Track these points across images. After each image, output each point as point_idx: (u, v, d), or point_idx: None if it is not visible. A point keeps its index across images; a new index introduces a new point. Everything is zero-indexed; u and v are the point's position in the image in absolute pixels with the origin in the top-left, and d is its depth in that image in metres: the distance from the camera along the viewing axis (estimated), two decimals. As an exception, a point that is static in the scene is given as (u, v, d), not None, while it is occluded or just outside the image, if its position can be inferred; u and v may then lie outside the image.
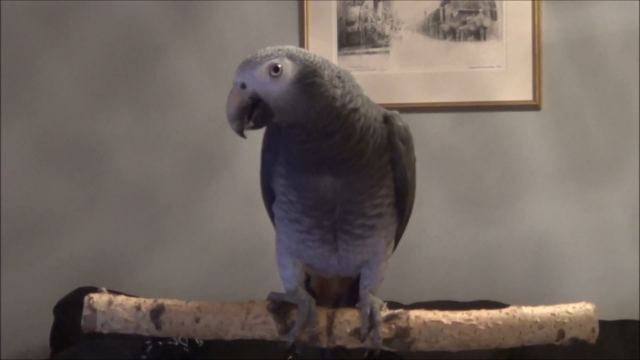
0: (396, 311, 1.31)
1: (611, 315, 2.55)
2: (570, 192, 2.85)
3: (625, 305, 2.72)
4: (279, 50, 1.21)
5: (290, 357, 2.41)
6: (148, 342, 2.51)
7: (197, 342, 2.57)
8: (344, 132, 1.21)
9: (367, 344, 1.28)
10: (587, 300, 1.34)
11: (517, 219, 2.88)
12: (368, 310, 1.29)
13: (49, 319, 2.75)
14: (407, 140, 1.30)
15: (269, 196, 1.36)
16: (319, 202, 1.26)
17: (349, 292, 1.48)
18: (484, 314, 1.29)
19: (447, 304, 2.38)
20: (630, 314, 2.68)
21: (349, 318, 1.30)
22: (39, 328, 2.83)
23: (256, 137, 2.89)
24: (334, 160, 1.23)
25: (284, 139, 1.26)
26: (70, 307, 2.69)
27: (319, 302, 1.37)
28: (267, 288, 3.04)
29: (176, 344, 2.54)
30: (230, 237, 2.97)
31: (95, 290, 1.34)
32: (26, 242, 3.01)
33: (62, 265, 2.99)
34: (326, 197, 1.25)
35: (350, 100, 1.22)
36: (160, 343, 2.51)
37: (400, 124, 1.29)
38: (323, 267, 1.37)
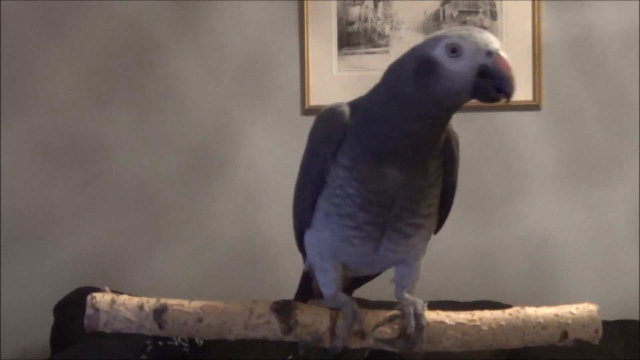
0: (400, 312, 1.30)
1: (611, 315, 2.56)
2: (570, 192, 2.86)
3: (625, 305, 2.73)
4: None
5: (290, 357, 2.41)
6: (148, 342, 2.52)
7: (197, 342, 2.58)
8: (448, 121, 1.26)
9: (417, 348, 1.27)
10: (587, 300, 1.34)
11: (517, 218, 2.88)
12: (412, 310, 1.28)
13: (49, 319, 2.75)
14: (458, 148, 1.34)
15: (313, 189, 1.31)
16: (381, 197, 1.24)
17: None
18: (487, 314, 1.29)
19: (447, 304, 2.38)
20: (631, 314, 2.68)
21: (352, 318, 1.29)
22: (39, 328, 2.83)
23: (254, 137, 2.88)
24: (426, 149, 1.25)
25: (367, 126, 1.24)
26: (70, 307, 2.70)
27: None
28: (267, 288, 3.06)
29: (176, 344, 2.54)
30: (230, 237, 2.97)
31: (95, 290, 1.33)
32: (26, 242, 3.01)
33: (62, 265, 2.99)
34: (389, 192, 1.24)
35: None
36: (160, 343, 2.52)
37: (455, 131, 1.32)
38: (356, 266, 1.35)
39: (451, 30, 1.20)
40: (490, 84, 1.17)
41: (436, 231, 1.40)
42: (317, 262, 1.35)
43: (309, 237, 1.35)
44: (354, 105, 1.28)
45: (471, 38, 1.17)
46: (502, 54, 1.16)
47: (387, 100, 1.23)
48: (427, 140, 1.24)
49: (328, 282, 1.34)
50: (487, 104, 2.93)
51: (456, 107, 1.23)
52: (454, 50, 1.17)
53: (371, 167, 1.23)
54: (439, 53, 1.18)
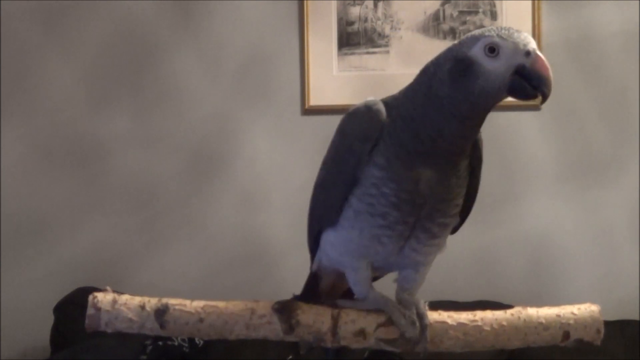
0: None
1: (611, 315, 2.55)
2: (570, 192, 2.86)
3: (625, 305, 2.73)
4: None
5: (290, 357, 2.41)
6: (148, 342, 2.51)
7: (197, 342, 2.57)
8: None
9: (420, 347, 1.27)
10: (587, 300, 1.34)
11: (517, 219, 2.88)
12: (414, 309, 1.29)
13: (49, 319, 2.74)
14: (482, 149, 1.33)
15: (344, 187, 1.29)
16: (415, 196, 1.24)
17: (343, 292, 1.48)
18: (489, 314, 1.29)
19: (448, 304, 2.38)
20: (630, 314, 2.68)
21: (353, 318, 1.29)
22: (39, 328, 2.83)
23: (255, 137, 2.87)
24: (460, 150, 1.25)
25: (403, 125, 1.24)
26: (70, 307, 2.69)
27: (323, 302, 1.36)
28: (268, 288, 3.05)
29: (176, 344, 2.54)
30: (230, 237, 2.97)
31: (95, 290, 1.33)
32: (26, 242, 3.01)
33: (62, 265, 2.99)
34: (423, 191, 1.24)
35: None
36: (160, 343, 2.51)
37: (480, 132, 1.31)
38: (381, 266, 1.35)
39: (489, 30, 1.20)
40: (527, 82, 1.18)
41: (452, 232, 1.38)
42: (347, 261, 1.33)
43: (331, 236, 1.34)
44: (387, 103, 1.28)
45: (510, 38, 1.18)
46: (540, 54, 1.17)
47: (423, 100, 1.23)
48: (462, 140, 1.24)
49: (360, 281, 1.33)
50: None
51: (491, 106, 1.23)
52: (492, 50, 1.18)
53: (406, 166, 1.23)
54: (477, 52, 1.19)
